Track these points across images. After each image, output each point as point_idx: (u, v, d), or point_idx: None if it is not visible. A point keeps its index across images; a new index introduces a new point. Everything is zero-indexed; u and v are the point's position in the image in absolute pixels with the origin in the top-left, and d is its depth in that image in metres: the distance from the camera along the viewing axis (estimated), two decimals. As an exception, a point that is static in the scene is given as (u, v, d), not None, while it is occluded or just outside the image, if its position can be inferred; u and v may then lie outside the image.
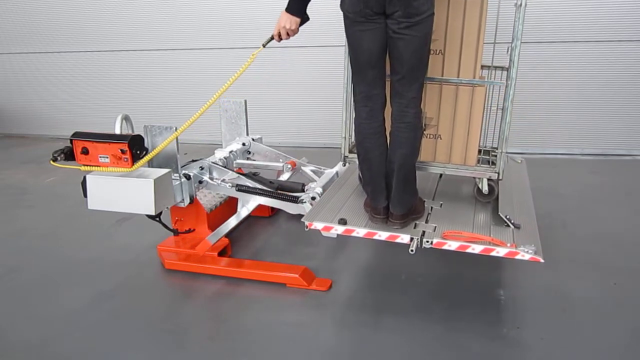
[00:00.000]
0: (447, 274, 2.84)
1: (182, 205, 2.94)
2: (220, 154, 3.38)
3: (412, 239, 2.37)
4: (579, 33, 4.77)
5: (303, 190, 3.05)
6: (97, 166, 2.69)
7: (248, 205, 3.39)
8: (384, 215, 2.51)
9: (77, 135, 2.72)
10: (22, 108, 6.71)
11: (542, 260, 2.22)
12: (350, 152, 2.79)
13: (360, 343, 2.32)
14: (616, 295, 2.61)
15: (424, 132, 2.59)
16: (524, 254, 2.23)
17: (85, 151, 2.68)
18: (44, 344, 2.37)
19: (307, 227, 2.51)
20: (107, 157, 2.67)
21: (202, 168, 3.05)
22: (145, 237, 3.34)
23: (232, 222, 3.27)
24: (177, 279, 2.92)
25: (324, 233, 2.55)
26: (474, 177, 2.75)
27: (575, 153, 5.06)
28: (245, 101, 3.65)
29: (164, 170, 2.74)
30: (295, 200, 2.92)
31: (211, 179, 3.05)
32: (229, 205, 3.42)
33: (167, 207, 2.91)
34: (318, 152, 5.31)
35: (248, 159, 3.65)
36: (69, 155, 2.72)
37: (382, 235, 2.43)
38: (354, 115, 2.52)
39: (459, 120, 2.58)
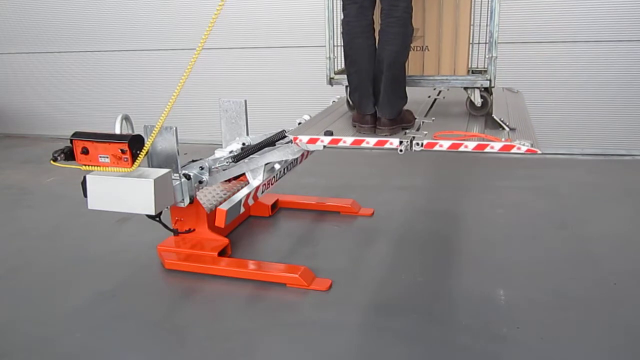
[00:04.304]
0: (447, 274, 2.84)
1: (182, 205, 2.94)
2: (220, 154, 3.37)
3: (401, 142, 2.29)
4: (579, 33, 4.77)
5: None
6: (97, 166, 2.69)
7: (260, 176, 3.37)
8: (371, 124, 2.43)
9: (77, 135, 2.72)
10: (22, 108, 6.70)
11: (539, 152, 2.12)
12: (337, 74, 2.67)
13: (360, 343, 2.31)
14: (616, 295, 2.61)
15: (411, 45, 2.46)
16: (520, 147, 2.13)
17: (85, 151, 2.69)
18: (44, 343, 2.37)
19: (292, 142, 2.44)
20: (107, 157, 2.67)
21: (202, 168, 3.05)
22: (145, 237, 3.34)
23: (245, 190, 3.24)
24: (177, 279, 2.92)
25: (311, 146, 2.47)
26: (465, 89, 2.62)
27: (575, 153, 5.06)
28: (245, 101, 3.65)
29: (164, 170, 2.74)
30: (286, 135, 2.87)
31: (211, 174, 3.05)
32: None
33: (167, 207, 2.91)
34: (318, 151, 5.30)
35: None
36: (69, 155, 2.73)
37: (370, 141, 2.34)
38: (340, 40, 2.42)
39: (445, 28, 2.47)
